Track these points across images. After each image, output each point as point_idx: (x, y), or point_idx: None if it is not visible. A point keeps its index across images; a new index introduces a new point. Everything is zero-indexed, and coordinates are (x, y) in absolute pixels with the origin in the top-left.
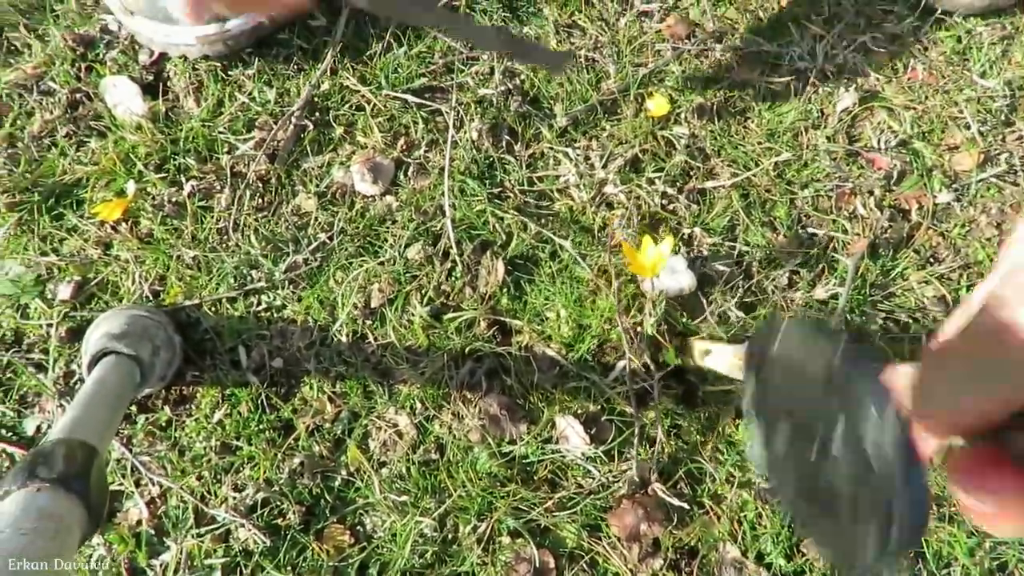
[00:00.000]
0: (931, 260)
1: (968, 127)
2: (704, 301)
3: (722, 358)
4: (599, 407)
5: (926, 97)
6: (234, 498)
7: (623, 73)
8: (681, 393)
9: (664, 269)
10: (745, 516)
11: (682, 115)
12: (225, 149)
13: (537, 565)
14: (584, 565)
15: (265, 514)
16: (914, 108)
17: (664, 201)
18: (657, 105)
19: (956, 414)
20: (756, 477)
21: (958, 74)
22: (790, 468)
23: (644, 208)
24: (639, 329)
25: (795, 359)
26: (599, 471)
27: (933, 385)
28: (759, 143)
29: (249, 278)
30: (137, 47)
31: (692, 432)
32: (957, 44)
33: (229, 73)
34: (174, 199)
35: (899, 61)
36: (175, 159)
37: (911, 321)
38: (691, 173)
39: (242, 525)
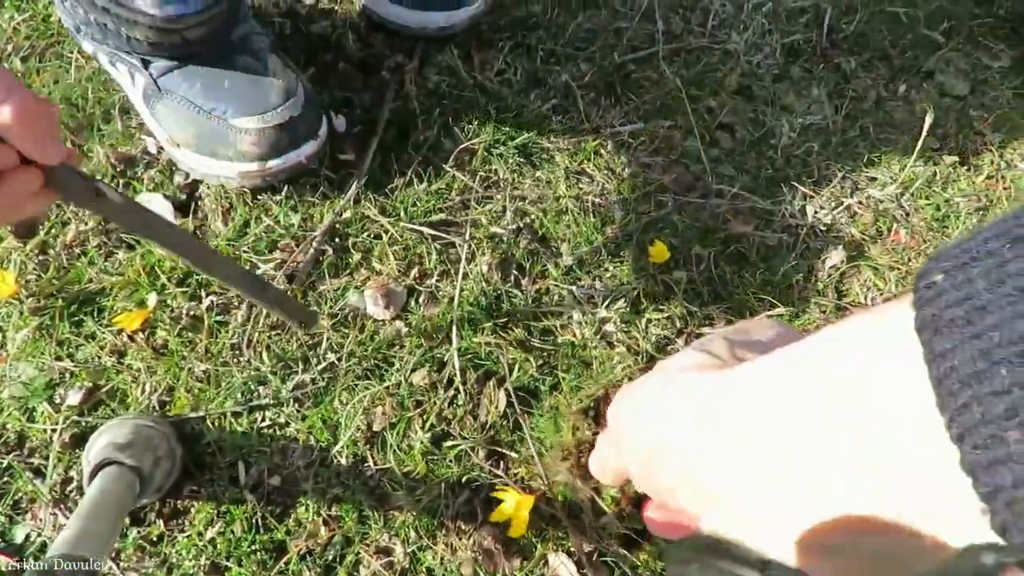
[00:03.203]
0: None
1: None
2: None
3: None
4: (592, 547)
5: (909, 259)
6: None
7: (627, 220)
8: None
9: None
10: None
11: (681, 261)
12: (247, 266)
13: None
14: None
15: None
16: (898, 268)
17: (663, 343)
18: (657, 251)
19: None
20: None
21: (938, 239)
22: None
23: (642, 349)
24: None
25: None
26: None
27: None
28: (753, 293)
29: (256, 394)
30: (174, 168)
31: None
32: (936, 212)
33: (258, 197)
34: (192, 312)
35: (883, 224)
36: (198, 275)
37: None
38: (688, 319)
39: None
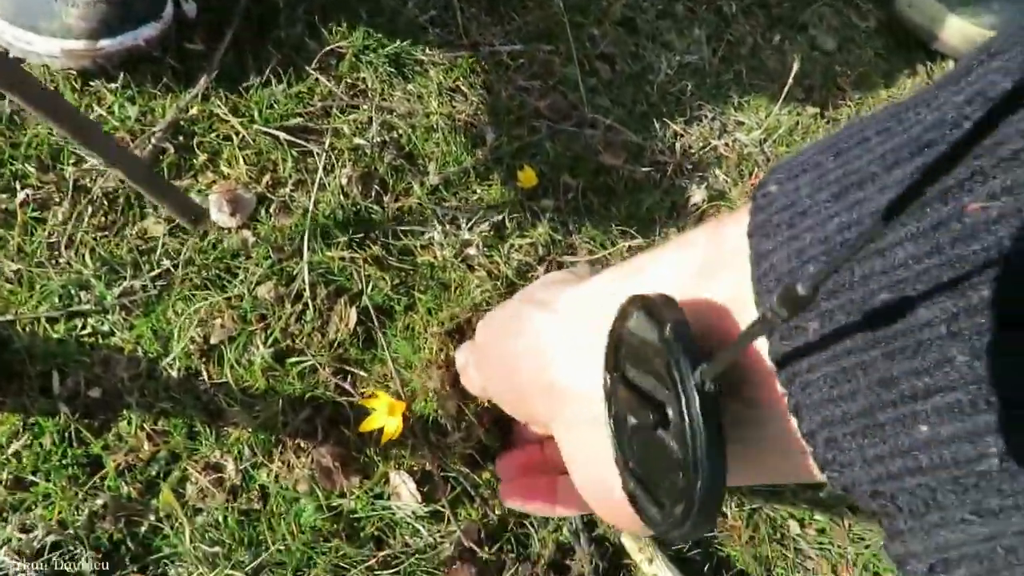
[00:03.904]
0: None
1: None
2: None
3: None
4: (436, 466)
5: None
6: (19, 540)
7: (499, 143)
8: None
9: None
10: None
11: (550, 189)
12: (72, 160)
13: None
14: None
15: (54, 559)
16: None
17: (524, 269)
18: (526, 177)
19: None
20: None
21: None
22: (633, 443)
23: (502, 274)
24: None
25: (638, 335)
26: (428, 530)
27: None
28: (617, 225)
29: (77, 299)
30: None
31: None
32: None
33: (90, 84)
34: (4, 206)
35: (745, 167)
36: (12, 164)
37: None
38: (552, 247)
39: (22, 572)
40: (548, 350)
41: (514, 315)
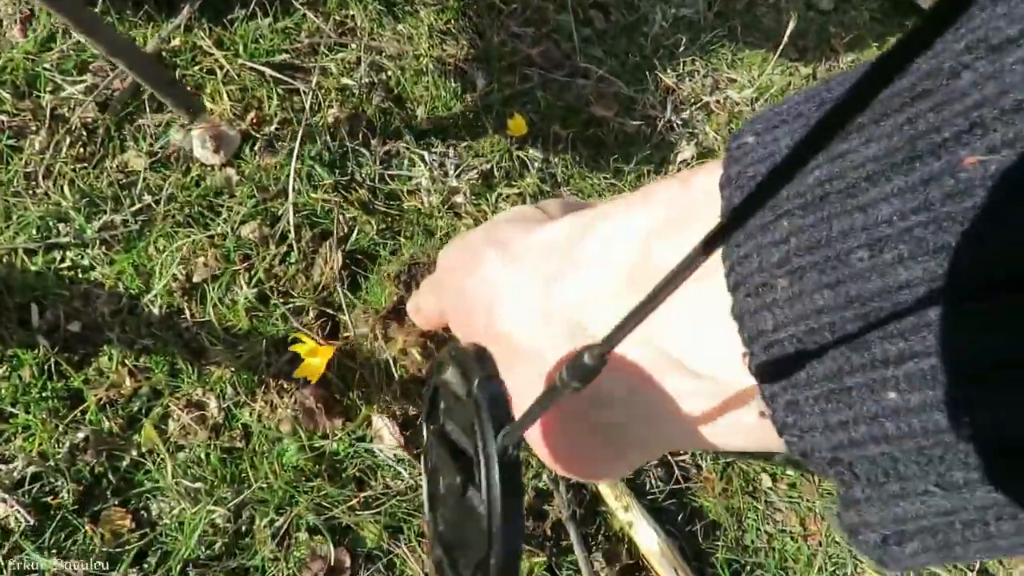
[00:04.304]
0: None
1: None
2: None
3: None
4: (418, 411)
5: None
6: None
7: (489, 89)
8: None
9: None
10: (546, 531)
11: (539, 140)
12: (49, 88)
13: (332, 563)
14: (381, 567)
15: (34, 491)
16: None
17: None
18: (516, 124)
19: None
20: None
21: None
22: (447, 504)
23: None
24: None
25: (452, 389)
26: (409, 473)
27: None
28: (605, 178)
29: (55, 231)
30: None
31: None
32: None
33: None
34: None
35: (735, 125)
36: None
37: None
38: (540, 198)
39: (2, 500)
40: (496, 301)
41: (473, 252)
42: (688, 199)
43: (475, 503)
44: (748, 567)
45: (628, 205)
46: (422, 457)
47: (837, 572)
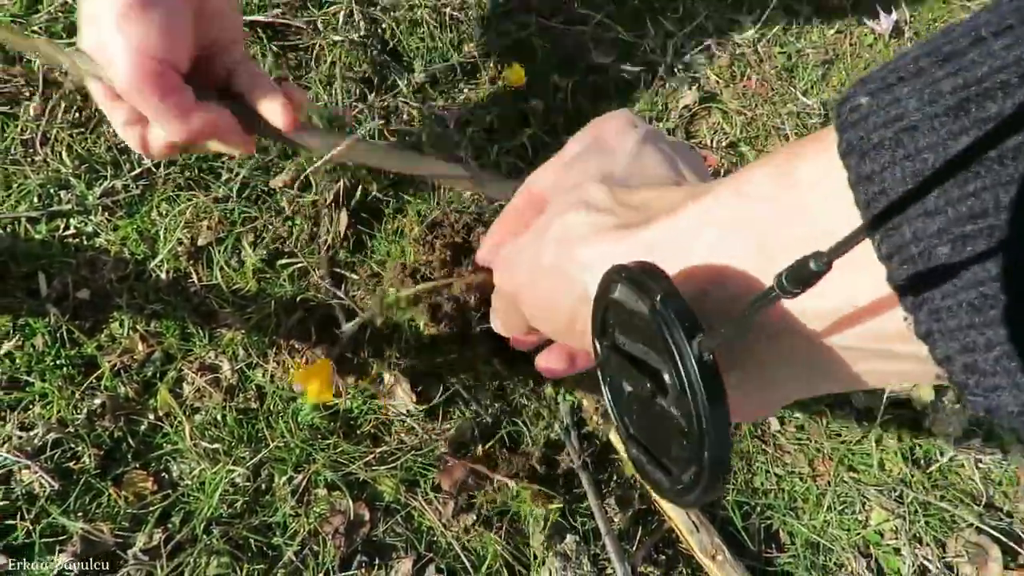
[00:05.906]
0: None
1: (787, 138)
2: None
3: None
4: (428, 366)
5: (756, 105)
6: (20, 438)
7: (486, 39)
8: (509, 358)
9: None
10: (559, 480)
11: (538, 90)
12: (37, 52)
13: (352, 517)
14: (400, 519)
15: (56, 456)
16: (745, 114)
17: (513, 171)
18: (515, 74)
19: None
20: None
21: (785, 88)
22: (632, 409)
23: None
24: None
25: (626, 306)
26: (423, 428)
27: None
28: None
29: (57, 199)
30: None
31: (515, 394)
32: (787, 61)
33: None
34: None
35: (737, 68)
36: None
37: None
38: (541, 150)
39: (27, 466)
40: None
41: (555, 270)
42: (791, 190)
43: (667, 408)
44: (758, 508)
45: (729, 194)
46: (599, 371)
47: (845, 511)
